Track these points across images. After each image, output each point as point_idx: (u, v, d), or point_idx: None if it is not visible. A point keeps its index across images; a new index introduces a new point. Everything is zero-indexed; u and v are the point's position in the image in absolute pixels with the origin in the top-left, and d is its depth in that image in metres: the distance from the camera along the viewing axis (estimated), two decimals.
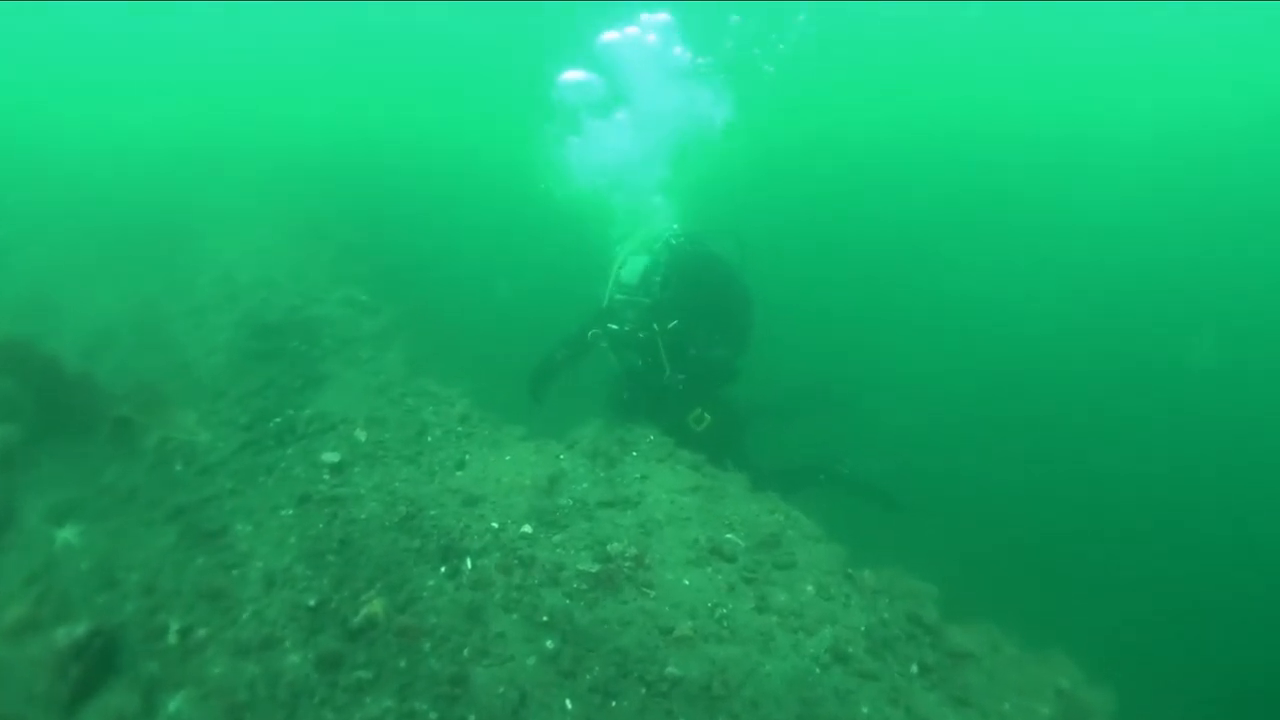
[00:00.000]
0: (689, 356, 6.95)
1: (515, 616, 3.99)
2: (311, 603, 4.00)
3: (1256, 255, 18.84)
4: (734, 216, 7.73)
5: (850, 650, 3.96)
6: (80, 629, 3.66)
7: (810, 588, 4.43)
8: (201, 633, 3.87)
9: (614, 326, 6.93)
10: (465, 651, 3.77)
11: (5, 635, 3.94)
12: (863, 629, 4.18)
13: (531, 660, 3.73)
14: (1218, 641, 8.13)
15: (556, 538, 4.63)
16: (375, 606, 3.91)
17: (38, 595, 4.18)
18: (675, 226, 7.34)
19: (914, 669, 4.06)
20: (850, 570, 4.69)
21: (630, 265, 6.89)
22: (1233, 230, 20.25)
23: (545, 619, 3.97)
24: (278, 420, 5.88)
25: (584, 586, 4.21)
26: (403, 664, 3.68)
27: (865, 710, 3.65)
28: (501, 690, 3.56)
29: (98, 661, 3.66)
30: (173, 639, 3.83)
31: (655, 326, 6.83)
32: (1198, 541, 9.76)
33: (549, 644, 3.83)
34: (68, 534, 4.57)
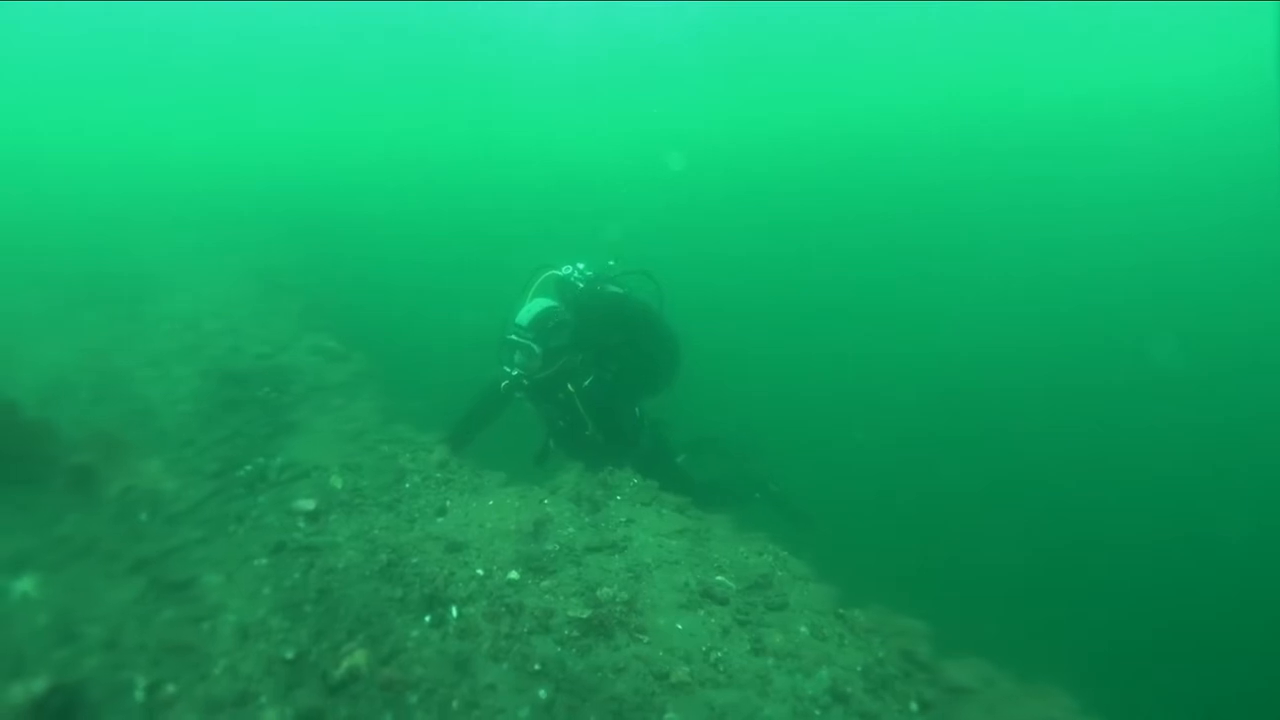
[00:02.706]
0: (608, 411, 6.93)
1: (505, 666, 3.82)
2: (289, 655, 3.78)
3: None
4: (651, 254, 7.63)
5: (849, 690, 3.89)
6: (38, 684, 3.40)
7: (804, 628, 4.37)
8: (170, 689, 3.62)
9: (512, 371, 6.80)
10: (454, 704, 3.59)
11: None
12: (859, 669, 4.11)
13: (524, 712, 3.57)
14: (1203, 658, 8.05)
15: (544, 584, 4.49)
16: (358, 658, 3.71)
17: None
18: (580, 266, 7.24)
19: (914, 706, 3.97)
20: (841, 610, 4.64)
21: (529, 306, 6.82)
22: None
23: (537, 667, 3.81)
24: (248, 468, 5.67)
25: (575, 633, 4.07)
26: (389, 718, 3.48)
27: None
28: None
29: None
30: (139, 695, 3.58)
31: (570, 387, 6.82)
32: (1182, 555, 9.74)
33: (541, 694, 3.66)
34: (25, 585, 4.30)
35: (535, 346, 6.64)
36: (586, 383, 6.87)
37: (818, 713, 3.75)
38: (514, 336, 6.70)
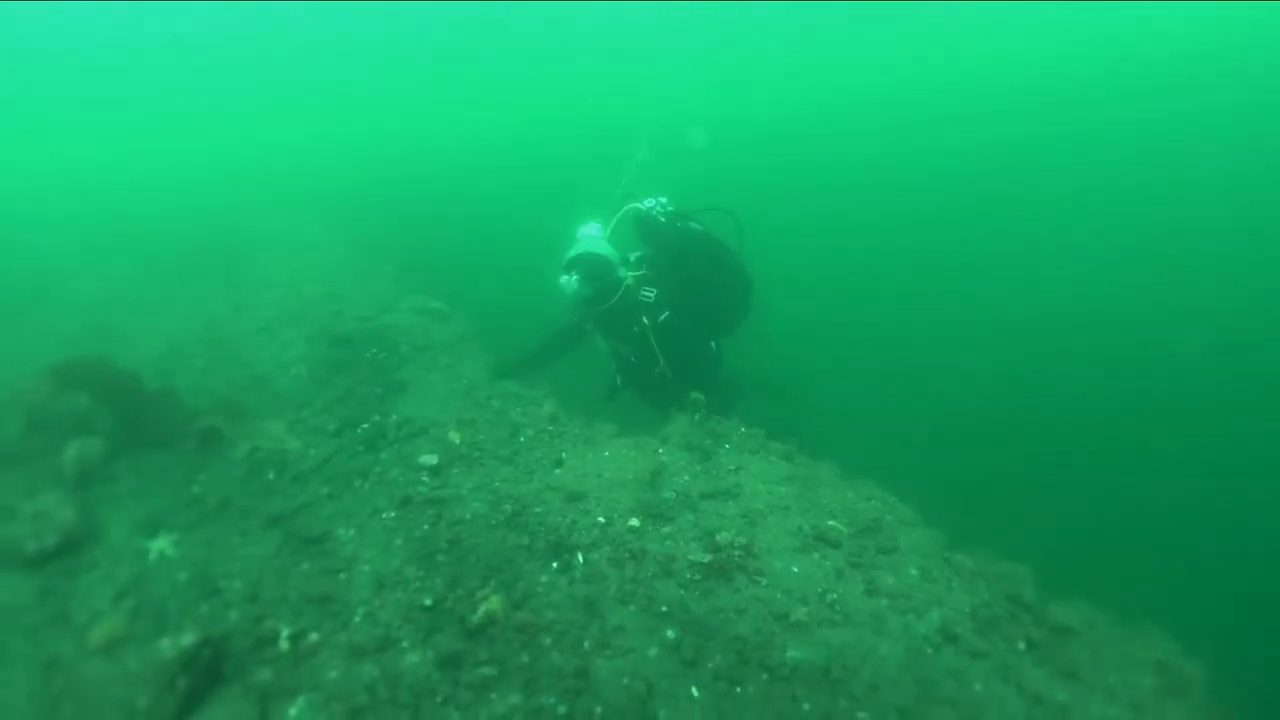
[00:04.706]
0: (681, 347, 6.95)
1: (632, 608, 3.94)
2: (427, 602, 3.88)
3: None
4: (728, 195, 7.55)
5: (959, 631, 4.01)
6: (188, 639, 3.49)
7: (914, 571, 4.48)
8: (314, 637, 3.72)
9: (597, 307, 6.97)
10: (586, 645, 3.70)
11: (96, 652, 3.77)
12: (968, 610, 4.22)
13: (653, 651, 3.68)
14: None
15: (664, 530, 4.60)
16: (493, 603, 3.81)
17: (131, 609, 4.03)
18: (663, 200, 7.14)
19: (1021, 646, 4.09)
20: (947, 554, 4.74)
21: (575, 246, 6.99)
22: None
23: (663, 609, 3.93)
24: (365, 426, 5.79)
25: (697, 577, 4.19)
26: (525, 659, 3.58)
27: (979, 688, 3.68)
28: (626, 681, 3.49)
29: (205, 672, 3.48)
30: (284, 645, 3.68)
31: (645, 320, 6.82)
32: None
33: (669, 634, 3.77)
34: (162, 545, 4.42)
35: (573, 281, 6.79)
36: (662, 318, 6.84)
37: (930, 651, 3.85)
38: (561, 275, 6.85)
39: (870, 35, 50.29)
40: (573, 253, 6.89)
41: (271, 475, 5.14)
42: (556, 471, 5.24)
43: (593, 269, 6.81)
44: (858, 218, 20.68)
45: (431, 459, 5.20)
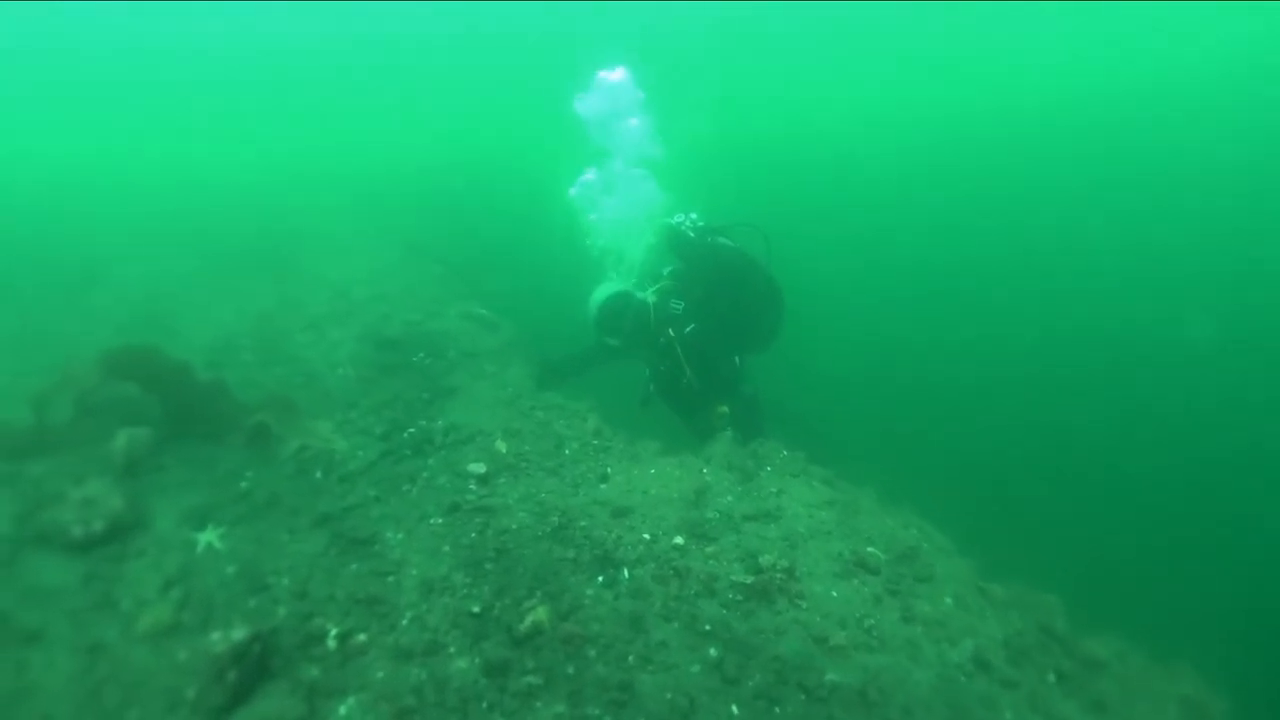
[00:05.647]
0: (707, 359, 7.08)
1: (675, 625, 4.00)
2: (475, 609, 3.94)
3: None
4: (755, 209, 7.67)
5: (991, 659, 4.12)
6: (239, 633, 3.54)
7: (949, 600, 4.57)
8: (361, 638, 3.79)
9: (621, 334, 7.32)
10: (630, 658, 3.76)
11: (143, 639, 3.83)
12: (1000, 639, 4.33)
13: (695, 667, 3.75)
14: None
15: (708, 549, 4.66)
16: (540, 614, 3.87)
17: (179, 599, 4.08)
18: (693, 216, 7.35)
19: (1051, 677, 4.19)
20: (981, 584, 4.84)
21: (598, 291, 7.36)
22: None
23: (707, 628, 3.99)
24: (412, 430, 5.87)
25: (739, 597, 4.27)
26: (570, 670, 3.63)
27: (1009, 716, 3.79)
28: (669, 696, 3.56)
29: (255, 667, 3.53)
30: (332, 644, 3.73)
31: (672, 332, 7.00)
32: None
33: (712, 652, 3.84)
34: (210, 537, 4.47)
35: (610, 339, 7.23)
36: (688, 330, 7.01)
37: (963, 679, 3.96)
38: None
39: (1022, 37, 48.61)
40: (595, 304, 7.24)
41: (319, 474, 5.21)
42: (602, 486, 5.30)
43: (613, 313, 7.20)
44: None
45: (479, 467, 5.26)
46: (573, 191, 7.72)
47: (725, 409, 6.83)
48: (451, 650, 3.69)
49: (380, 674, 3.55)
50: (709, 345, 7.08)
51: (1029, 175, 26.08)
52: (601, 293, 7.19)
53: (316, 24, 42.59)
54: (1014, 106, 44.67)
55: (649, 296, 7.22)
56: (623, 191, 7.79)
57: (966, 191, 25.00)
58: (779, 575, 4.41)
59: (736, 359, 7.38)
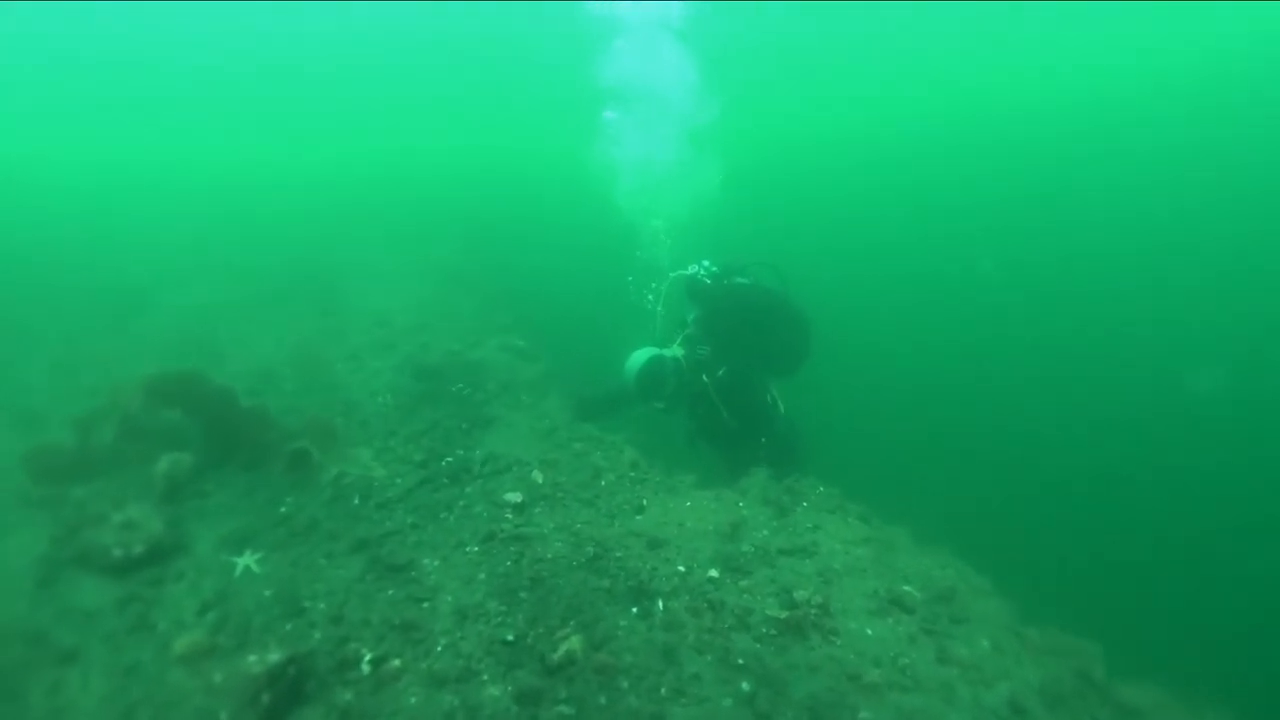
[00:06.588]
0: (742, 398, 7.20)
1: (709, 658, 3.95)
2: (509, 637, 3.93)
3: None
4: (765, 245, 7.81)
5: (1027, 705, 4.00)
6: (275, 656, 3.57)
7: (985, 642, 4.46)
8: (395, 663, 3.79)
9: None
10: (662, 690, 3.71)
11: (178, 661, 3.86)
12: (1036, 685, 4.21)
13: (728, 701, 3.69)
14: None
15: (742, 583, 4.62)
16: (574, 643, 3.85)
17: (216, 622, 4.12)
18: (706, 263, 7.53)
19: None
20: (1019, 628, 4.74)
21: (635, 357, 7.31)
22: None
23: (740, 662, 3.94)
24: (449, 460, 5.90)
25: (773, 631, 4.21)
26: (603, 700, 3.60)
27: None
28: None
29: (289, 690, 3.54)
30: (366, 668, 3.75)
31: (705, 379, 7.13)
32: None
33: (744, 686, 3.79)
34: (248, 561, 4.52)
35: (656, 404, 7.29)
36: (720, 373, 7.15)
37: None
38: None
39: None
40: (632, 376, 7.23)
41: (357, 500, 5.25)
42: (638, 518, 5.28)
43: (653, 379, 7.22)
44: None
45: (516, 496, 5.27)
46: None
47: (764, 442, 6.85)
48: (484, 678, 3.68)
49: (413, 700, 3.55)
50: (741, 384, 7.21)
51: (1032, 177, 25.96)
52: (634, 362, 7.24)
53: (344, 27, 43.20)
54: (1014, 107, 44.71)
55: (676, 351, 7.36)
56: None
57: (974, 198, 24.93)
58: (813, 611, 4.35)
59: (769, 396, 7.48)
